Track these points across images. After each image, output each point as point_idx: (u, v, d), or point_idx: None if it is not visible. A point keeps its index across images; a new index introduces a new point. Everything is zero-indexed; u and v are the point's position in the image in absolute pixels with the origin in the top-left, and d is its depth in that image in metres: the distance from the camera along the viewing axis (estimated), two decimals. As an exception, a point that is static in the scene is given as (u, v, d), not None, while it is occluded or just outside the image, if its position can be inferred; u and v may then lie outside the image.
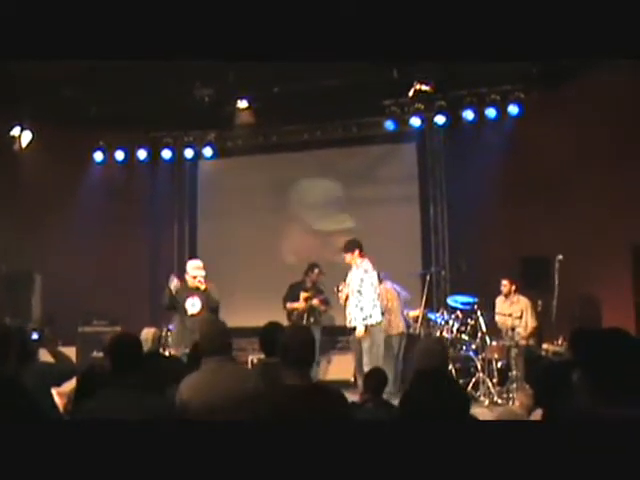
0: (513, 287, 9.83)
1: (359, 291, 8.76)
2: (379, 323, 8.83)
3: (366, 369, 7.80)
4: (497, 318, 9.83)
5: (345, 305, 8.93)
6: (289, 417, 2.28)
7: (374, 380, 5.50)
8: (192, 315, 8.26)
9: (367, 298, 8.75)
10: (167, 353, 9.65)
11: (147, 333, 6.73)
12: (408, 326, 10.07)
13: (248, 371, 4.26)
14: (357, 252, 8.89)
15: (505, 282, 9.84)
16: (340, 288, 9.03)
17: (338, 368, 10.53)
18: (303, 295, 10.25)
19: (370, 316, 8.71)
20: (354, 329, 8.80)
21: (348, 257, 8.93)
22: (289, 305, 10.32)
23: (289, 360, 3.98)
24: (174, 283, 8.37)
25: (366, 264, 8.90)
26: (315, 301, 10.19)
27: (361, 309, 8.71)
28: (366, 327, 8.68)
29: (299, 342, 4.03)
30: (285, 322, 9.63)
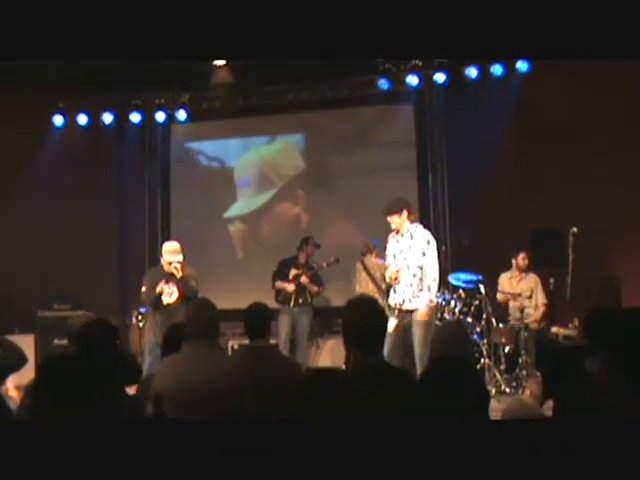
0: (526, 262, 9.75)
1: (419, 266, 7.56)
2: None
3: (420, 363, 7.15)
4: (500, 297, 9.79)
5: (392, 283, 7.70)
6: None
7: None
8: (168, 305, 7.98)
9: (432, 273, 7.59)
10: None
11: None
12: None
13: (232, 359, 4.18)
14: (406, 214, 7.67)
15: (523, 254, 9.72)
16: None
17: (328, 354, 10.51)
18: (292, 272, 10.10)
19: (431, 300, 7.60)
20: (400, 312, 7.57)
21: (395, 220, 7.64)
22: (278, 284, 10.18)
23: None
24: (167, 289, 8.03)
25: (422, 230, 7.79)
26: (304, 279, 10.02)
27: (428, 288, 7.51)
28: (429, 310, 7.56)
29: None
30: (272, 303, 9.58)
